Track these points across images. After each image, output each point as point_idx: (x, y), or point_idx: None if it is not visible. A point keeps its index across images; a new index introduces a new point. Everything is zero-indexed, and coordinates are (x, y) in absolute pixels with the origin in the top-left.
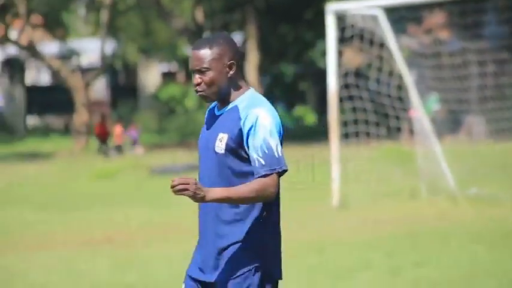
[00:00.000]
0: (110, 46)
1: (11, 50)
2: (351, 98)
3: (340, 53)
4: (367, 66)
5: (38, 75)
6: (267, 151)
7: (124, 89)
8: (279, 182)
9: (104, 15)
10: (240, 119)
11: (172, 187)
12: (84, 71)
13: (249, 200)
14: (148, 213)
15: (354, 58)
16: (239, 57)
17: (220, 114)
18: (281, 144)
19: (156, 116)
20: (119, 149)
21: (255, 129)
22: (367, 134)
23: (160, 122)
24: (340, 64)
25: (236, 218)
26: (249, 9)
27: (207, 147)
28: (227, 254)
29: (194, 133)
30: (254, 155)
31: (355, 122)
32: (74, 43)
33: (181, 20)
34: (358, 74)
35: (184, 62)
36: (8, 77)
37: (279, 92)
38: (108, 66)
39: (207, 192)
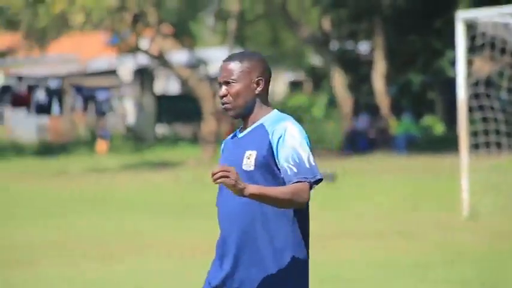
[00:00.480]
0: None
1: (142, 60)
2: (481, 107)
3: (470, 62)
4: (498, 75)
5: (167, 84)
6: (297, 160)
7: None
8: (310, 192)
9: (232, 25)
10: (267, 133)
11: (213, 175)
12: (212, 80)
13: (282, 203)
14: None
15: (484, 67)
16: (268, 76)
17: (243, 136)
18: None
19: None
20: None
21: (283, 140)
22: (498, 145)
23: None
24: (469, 73)
25: (267, 237)
26: (376, 18)
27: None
28: (258, 276)
29: (321, 142)
30: (285, 164)
31: (486, 132)
32: (202, 52)
33: (308, 28)
34: (489, 83)
35: (311, 71)
36: (139, 86)
37: (406, 102)
38: None
39: (247, 185)
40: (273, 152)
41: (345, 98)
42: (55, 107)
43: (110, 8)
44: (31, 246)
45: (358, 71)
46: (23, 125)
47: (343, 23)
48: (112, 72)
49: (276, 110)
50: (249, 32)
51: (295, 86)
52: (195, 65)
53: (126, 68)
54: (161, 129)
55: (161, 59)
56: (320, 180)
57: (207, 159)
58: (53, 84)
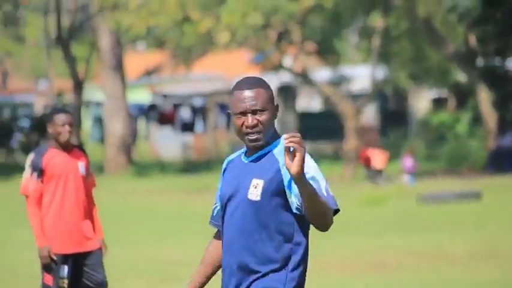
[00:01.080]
0: (381, 72)
1: (285, 77)
2: None
3: None
4: None
5: (309, 102)
6: (316, 187)
7: (394, 115)
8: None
9: (376, 41)
10: (277, 161)
11: (291, 137)
12: (354, 97)
13: (318, 208)
14: (417, 240)
15: None
16: None
17: (250, 162)
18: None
19: (426, 142)
20: (380, 175)
21: None
22: None
23: (429, 148)
24: None
25: (270, 266)
26: None
27: (236, 197)
28: None
29: (465, 160)
30: None
31: None
32: (345, 69)
33: (453, 44)
34: None
35: (455, 88)
36: (281, 104)
37: None
38: (378, 93)
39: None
40: (283, 182)
41: (490, 115)
42: (199, 125)
43: (255, 26)
44: (179, 263)
45: (505, 88)
46: (168, 143)
47: (490, 39)
48: None
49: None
50: (394, 49)
51: (438, 103)
52: (338, 82)
53: (270, 85)
54: None
55: (304, 77)
56: (337, 211)
57: (348, 177)
58: (197, 102)
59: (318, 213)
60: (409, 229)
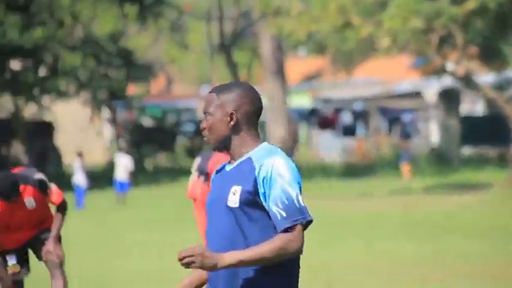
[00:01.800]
0: None
1: (447, 82)
2: None
3: None
4: None
5: (472, 106)
6: (286, 201)
7: None
8: (303, 235)
9: None
10: (254, 168)
11: (180, 260)
12: None
13: (269, 261)
14: None
15: None
16: (249, 109)
17: (231, 169)
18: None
19: None
20: None
21: (271, 179)
22: None
23: None
24: None
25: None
26: None
27: (218, 204)
28: None
29: None
30: (273, 207)
31: None
32: (511, 73)
33: None
34: None
35: None
36: (444, 108)
37: None
38: None
39: (218, 259)
40: (258, 188)
41: None
42: (360, 129)
43: (416, 30)
44: (345, 267)
45: None
46: (329, 147)
47: None
48: (417, 94)
49: (265, 143)
50: None
51: None
52: (503, 86)
53: (431, 89)
54: (466, 150)
55: (467, 81)
56: (310, 222)
57: None
58: (358, 106)
59: (277, 261)
60: None
